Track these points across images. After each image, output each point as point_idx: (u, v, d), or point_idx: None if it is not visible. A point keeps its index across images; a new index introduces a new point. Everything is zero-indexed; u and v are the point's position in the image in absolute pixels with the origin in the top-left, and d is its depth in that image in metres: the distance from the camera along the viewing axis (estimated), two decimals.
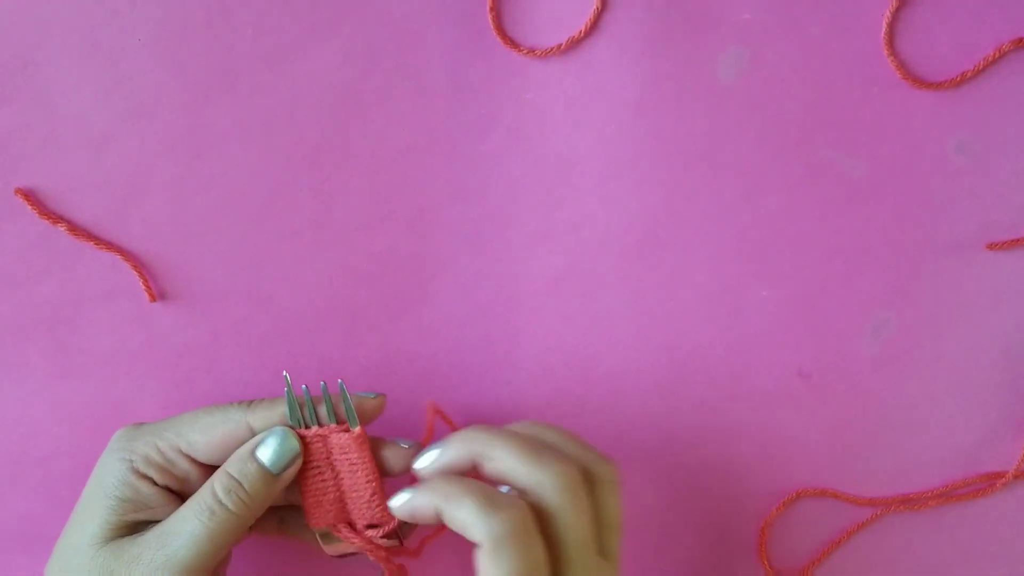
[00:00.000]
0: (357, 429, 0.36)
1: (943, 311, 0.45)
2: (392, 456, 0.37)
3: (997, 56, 0.42)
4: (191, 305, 0.43)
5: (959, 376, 0.45)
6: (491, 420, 0.46)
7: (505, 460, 0.35)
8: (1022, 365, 0.46)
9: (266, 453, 0.36)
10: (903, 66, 0.43)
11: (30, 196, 0.41)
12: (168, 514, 0.36)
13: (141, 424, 0.38)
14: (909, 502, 0.46)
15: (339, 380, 0.37)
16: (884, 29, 0.42)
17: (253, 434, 0.37)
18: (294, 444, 0.36)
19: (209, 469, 0.37)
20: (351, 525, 0.37)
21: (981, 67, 0.43)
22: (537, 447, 0.35)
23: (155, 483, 0.37)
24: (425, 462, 0.36)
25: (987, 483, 0.46)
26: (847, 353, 0.45)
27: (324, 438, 0.36)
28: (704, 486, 0.46)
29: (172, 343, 0.43)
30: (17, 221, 0.42)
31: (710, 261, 0.44)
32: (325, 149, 0.43)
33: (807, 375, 0.45)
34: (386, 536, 0.37)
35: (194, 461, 0.37)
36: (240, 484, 0.35)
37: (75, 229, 0.42)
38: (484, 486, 0.34)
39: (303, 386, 0.37)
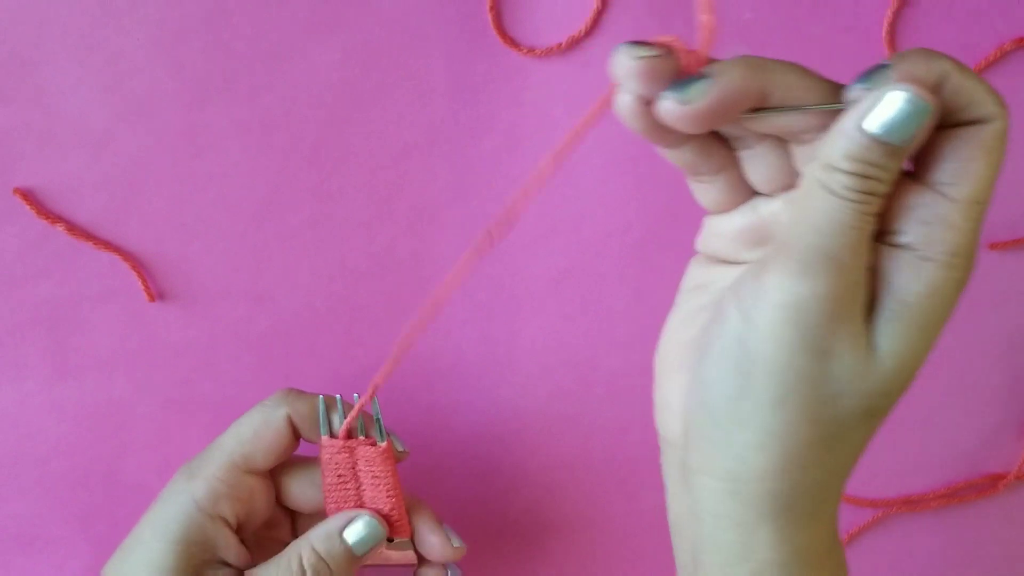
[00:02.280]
0: (383, 444, 0.37)
1: None
2: (430, 543, 0.38)
3: (998, 56, 0.42)
4: (190, 305, 0.43)
5: (961, 376, 0.45)
6: (491, 419, 0.45)
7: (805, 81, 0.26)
8: None
9: (353, 536, 0.36)
10: None
11: (28, 196, 0.41)
12: (234, 556, 0.36)
13: (190, 463, 0.37)
14: (911, 503, 0.46)
15: (374, 397, 0.37)
16: (885, 29, 0.42)
17: (293, 426, 0.36)
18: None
19: (268, 478, 0.37)
20: None
21: (982, 67, 0.42)
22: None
23: (224, 522, 0.36)
24: (697, 94, 0.25)
25: (989, 484, 0.46)
26: None
27: (352, 449, 0.37)
28: None
29: (171, 343, 0.43)
30: (15, 221, 0.42)
31: None
32: (325, 149, 0.42)
33: None
34: (399, 550, 0.38)
35: (254, 473, 0.37)
36: (327, 565, 0.35)
37: (73, 229, 0.42)
38: None
39: (337, 396, 0.37)
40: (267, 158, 0.42)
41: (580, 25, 0.42)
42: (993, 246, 0.44)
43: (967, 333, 0.45)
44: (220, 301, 0.43)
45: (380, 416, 0.37)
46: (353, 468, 0.37)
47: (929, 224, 0.25)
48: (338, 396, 0.37)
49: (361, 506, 0.37)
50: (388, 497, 0.37)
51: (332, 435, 0.37)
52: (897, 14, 0.42)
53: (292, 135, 0.42)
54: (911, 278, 0.25)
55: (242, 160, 0.42)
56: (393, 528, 0.37)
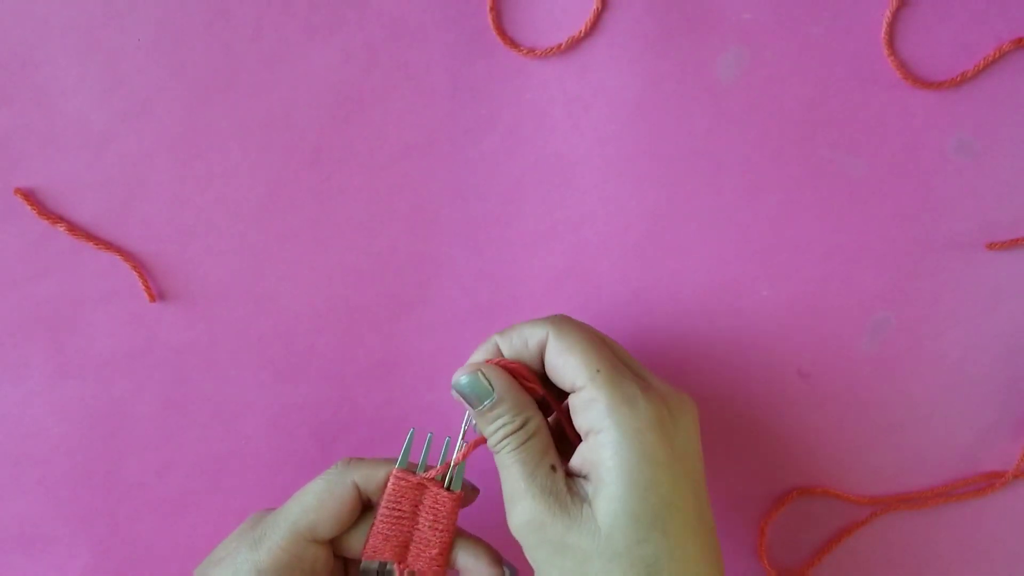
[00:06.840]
0: (458, 492, 0.37)
1: (943, 311, 0.45)
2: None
3: (997, 56, 0.42)
4: (191, 305, 0.43)
5: (959, 376, 0.45)
6: None
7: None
8: (1022, 365, 0.46)
9: None
10: (903, 66, 0.43)
11: (29, 196, 0.41)
12: None
13: (255, 528, 0.37)
14: (908, 501, 0.46)
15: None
16: (884, 29, 0.42)
17: (359, 492, 0.37)
18: None
19: (330, 545, 0.37)
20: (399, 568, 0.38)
21: (981, 67, 0.43)
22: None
23: None
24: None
25: (986, 482, 0.46)
26: (846, 353, 0.45)
27: (423, 488, 0.37)
28: None
29: (172, 343, 0.43)
30: (16, 221, 0.42)
31: (710, 261, 0.44)
32: (325, 149, 0.42)
33: (807, 375, 0.45)
34: None
35: (319, 542, 0.37)
36: None
37: (74, 229, 0.42)
38: None
39: (430, 433, 0.38)
40: (268, 158, 0.42)
41: (580, 25, 0.42)
42: (991, 246, 0.44)
43: (965, 333, 0.45)
44: (220, 301, 0.43)
45: (463, 466, 0.37)
46: (415, 506, 0.37)
47: None
48: (429, 434, 0.38)
49: (406, 542, 0.37)
50: (440, 542, 0.37)
51: (408, 468, 0.37)
52: (896, 14, 0.42)
53: (292, 135, 0.42)
54: None
55: (243, 160, 0.42)
56: (430, 574, 0.37)
